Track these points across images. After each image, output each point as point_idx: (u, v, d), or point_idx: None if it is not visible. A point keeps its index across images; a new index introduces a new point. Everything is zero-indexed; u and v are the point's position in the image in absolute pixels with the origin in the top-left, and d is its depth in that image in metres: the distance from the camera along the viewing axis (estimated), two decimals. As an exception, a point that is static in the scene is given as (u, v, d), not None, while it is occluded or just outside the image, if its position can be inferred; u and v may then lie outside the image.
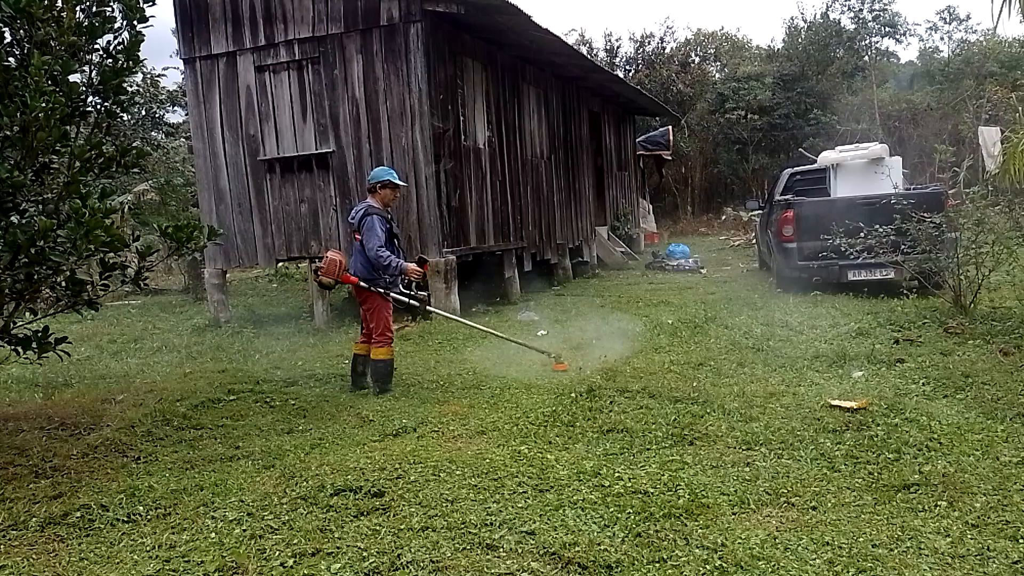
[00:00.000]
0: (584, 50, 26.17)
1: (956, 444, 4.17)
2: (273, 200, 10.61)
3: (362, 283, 6.04)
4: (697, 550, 3.13)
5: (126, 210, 14.69)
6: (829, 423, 4.59)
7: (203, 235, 4.86)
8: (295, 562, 3.17)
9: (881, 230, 8.06)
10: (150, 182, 15.52)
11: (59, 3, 4.42)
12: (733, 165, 27.88)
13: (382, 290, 6.08)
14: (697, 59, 30.08)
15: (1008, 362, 5.73)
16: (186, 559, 3.27)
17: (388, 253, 5.95)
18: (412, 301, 6.34)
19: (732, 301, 9.61)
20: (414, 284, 6.23)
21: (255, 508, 3.73)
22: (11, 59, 4.31)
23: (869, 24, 28.71)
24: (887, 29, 29.17)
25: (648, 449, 4.37)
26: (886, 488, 3.69)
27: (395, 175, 6.31)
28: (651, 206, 23.29)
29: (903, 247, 8.23)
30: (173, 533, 3.53)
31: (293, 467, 4.26)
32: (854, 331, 7.12)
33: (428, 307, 6.51)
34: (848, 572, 2.96)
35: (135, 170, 5.66)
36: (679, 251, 16.27)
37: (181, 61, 11.30)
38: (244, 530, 3.50)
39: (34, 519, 3.72)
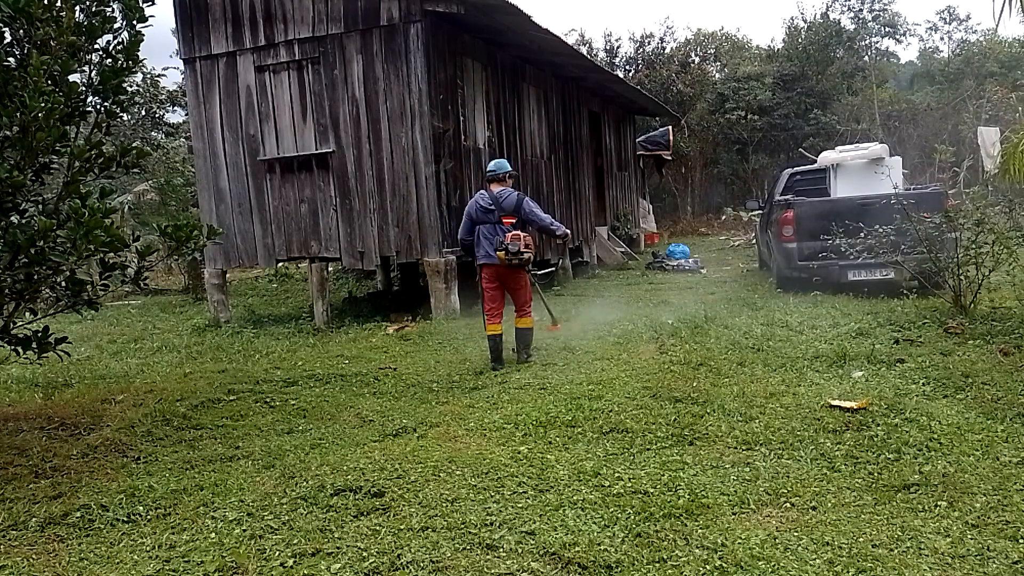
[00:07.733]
0: (584, 50, 26.12)
1: (956, 444, 4.17)
2: (273, 200, 10.61)
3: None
4: (697, 550, 3.13)
5: (126, 210, 14.71)
6: (829, 423, 4.58)
7: (203, 235, 4.87)
8: (295, 562, 3.17)
9: (881, 230, 8.07)
10: (150, 182, 15.54)
11: (59, 3, 4.42)
12: (733, 165, 27.86)
13: (528, 267, 7.05)
14: (697, 59, 30.01)
15: (1008, 362, 5.72)
16: (186, 559, 3.27)
17: (556, 221, 7.25)
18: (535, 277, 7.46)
19: (732, 301, 9.60)
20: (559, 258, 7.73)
21: (255, 508, 3.73)
22: (11, 59, 4.31)
23: (869, 24, 28.74)
24: (887, 29, 29.22)
25: (648, 449, 4.37)
26: (886, 488, 3.68)
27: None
28: (651, 206, 23.28)
29: (903, 247, 8.22)
30: (173, 533, 3.53)
31: (293, 467, 4.26)
32: (854, 331, 7.12)
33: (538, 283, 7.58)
34: (848, 572, 2.96)
35: (135, 170, 5.67)
36: (679, 251, 16.26)
37: (181, 61, 11.31)
38: (244, 530, 3.50)
39: (34, 519, 3.72)
